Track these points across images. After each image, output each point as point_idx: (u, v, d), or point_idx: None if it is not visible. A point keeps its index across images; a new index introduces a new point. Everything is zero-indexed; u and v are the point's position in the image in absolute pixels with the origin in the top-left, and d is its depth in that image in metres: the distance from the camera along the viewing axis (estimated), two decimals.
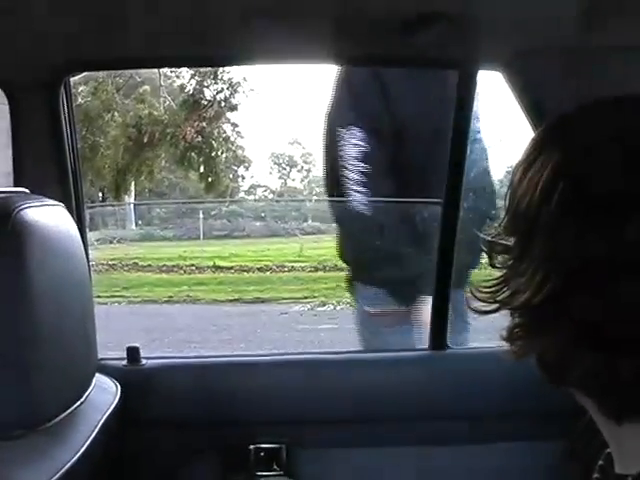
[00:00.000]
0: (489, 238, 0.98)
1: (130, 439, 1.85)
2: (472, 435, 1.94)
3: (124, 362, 1.98)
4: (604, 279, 0.83)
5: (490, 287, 0.95)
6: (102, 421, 1.32)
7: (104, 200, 37.63)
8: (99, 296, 12.62)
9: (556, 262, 0.86)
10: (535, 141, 0.94)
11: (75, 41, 1.52)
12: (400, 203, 2.52)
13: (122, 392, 1.69)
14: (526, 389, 1.60)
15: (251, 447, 1.94)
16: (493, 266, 0.97)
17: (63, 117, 1.77)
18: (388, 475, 1.99)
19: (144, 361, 1.99)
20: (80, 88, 21.05)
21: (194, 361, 2.18)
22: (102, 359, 1.87)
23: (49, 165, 1.84)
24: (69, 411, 1.17)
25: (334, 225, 2.67)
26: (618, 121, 0.89)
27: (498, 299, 0.94)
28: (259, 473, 1.95)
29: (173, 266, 15.83)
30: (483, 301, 0.96)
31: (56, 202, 1.17)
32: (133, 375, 1.94)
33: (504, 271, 0.94)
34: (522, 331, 0.92)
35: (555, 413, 1.70)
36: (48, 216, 1.13)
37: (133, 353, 1.95)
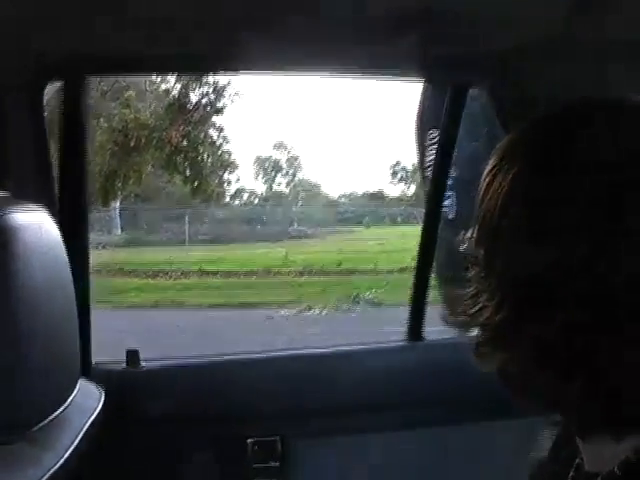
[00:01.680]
0: (462, 249, 0.97)
1: (133, 437, 1.91)
2: (448, 418, 2.06)
3: (123, 365, 2.00)
4: (556, 300, 0.83)
5: (463, 301, 0.95)
6: (86, 426, 1.31)
7: (90, 205, 37.57)
8: None
9: (512, 282, 0.87)
10: (498, 153, 0.94)
11: (61, 44, 1.52)
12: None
13: (121, 394, 1.76)
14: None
15: (248, 441, 2.00)
16: (469, 280, 0.97)
17: (77, 118, 1.77)
18: (374, 458, 2.09)
19: (143, 363, 2.01)
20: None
21: (190, 361, 2.20)
22: (102, 363, 1.92)
23: (33, 169, 1.83)
24: (53, 416, 1.16)
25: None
26: (571, 135, 0.87)
27: (469, 313, 0.93)
28: (256, 465, 2.00)
29: (159, 271, 15.82)
30: (456, 315, 0.96)
31: (38, 207, 1.16)
32: (133, 377, 1.97)
33: (475, 285, 0.94)
34: (486, 347, 0.92)
35: None
36: (30, 222, 1.12)
37: (132, 356, 1.98)
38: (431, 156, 2.38)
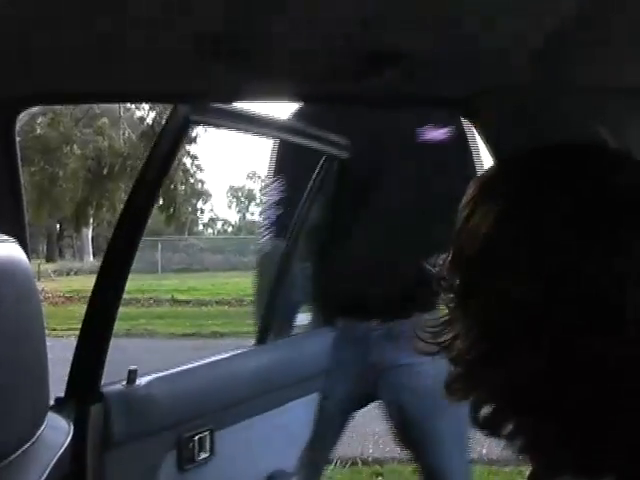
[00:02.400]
0: (434, 270, 0.96)
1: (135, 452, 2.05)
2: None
3: (124, 383, 2.03)
4: (531, 346, 0.81)
5: (434, 327, 0.93)
6: (54, 461, 1.29)
7: (62, 232, 37.48)
8: (55, 329, 12.47)
9: (489, 322, 0.85)
10: (477, 187, 0.92)
11: (32, 75, 1.50)
12: None
13: (120, 411, 1.93)
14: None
15: (185, 436, 2.18)
16: (438, 300, 0.95)
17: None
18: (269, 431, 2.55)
19: (138, 381, 2.06)
20: (39, 119, 20.99)
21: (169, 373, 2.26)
22: (104, 384, 1.97)
23: (3, 197, 1.81)
24: (19, 452, 1.14)
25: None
26: (551, 173, 0.87)
27: (439, 341, 0.92)
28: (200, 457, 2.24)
29: (131, 299, 15.75)
30: (425, 341, 0.94)
31: (9, 238, 1.14)
32: (128, 394, 2.02)
33: (447, 311, 0.92)
34: (459, 383, 0.91)
35: None
36: (1, 253, 1.11)
37: (131, 375, 2.04)
38: (267, 199, 2.90)
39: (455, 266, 0.91)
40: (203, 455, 2.23)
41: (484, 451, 5.91)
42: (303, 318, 2.84)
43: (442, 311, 0.93)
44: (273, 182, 2.86)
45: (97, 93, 1.70)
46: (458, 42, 1.31)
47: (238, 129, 2.17)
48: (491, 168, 0.97)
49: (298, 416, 2.72)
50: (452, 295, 0.91)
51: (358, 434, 6.42)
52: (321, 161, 2.65)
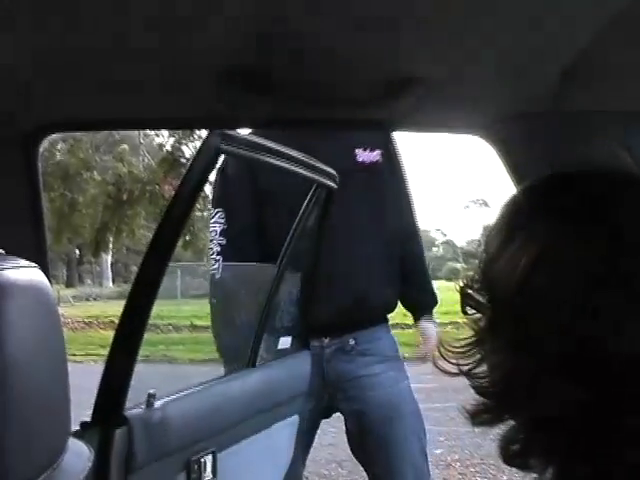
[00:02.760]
0: (463, 286, 0.92)
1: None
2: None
3: (143, 406, 2.07)
4: (570, 379, 0.79)
5: (459, 347, 0.90)
6: None
7: (81, 258, 37.59)
8: (75, 354, 12.50)
9: (526, 356, 0.82)
10: (513, 212, 0.91)
11: (56, 101, 1.52)
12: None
13: (141, 434, 1.95)
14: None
15: (193, 458, 2.22)
16: (465, 313, 0.93)
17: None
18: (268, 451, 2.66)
19: (157, 403, 2.10)
20: (58, 145, 21.11)
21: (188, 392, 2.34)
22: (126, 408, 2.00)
23: (26, 224, 1.82)
24: (41, 479, 1.14)
25: None
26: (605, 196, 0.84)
27: (463, 363, 0.89)
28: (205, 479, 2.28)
29: (150, 325, 15.71)
30: (449, 361, 0.91)
31: (31, 263, 1.15)
32: (148, 417, 2.05)
33: (474, 332, 0.89)
34: (486, 413, 0.89)
35: None
36: (24, 278, 1.11)
37: (149, 398, 2.08)
38: (211, 229, 3.05)
39: (488, 289, 0.89)
40: (208, 477, 2.27)
41: (504, 477, 5.86)
42: (285, 341, 2.89)
43: (467, 331, 0.90)
44: (215, 214, 3.03)
45: (117, 120, 1.71)
46: (477, 68, 1.32)
47: (264, 159, 2.19)
48: (523, 192, 0.94)
49: (282, 437, 2.79)
50: (480, 316, 0.89)
51: None
52: (312, 189, 2.72)
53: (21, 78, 1.36)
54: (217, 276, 2.97)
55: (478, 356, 0.88)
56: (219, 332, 3.16)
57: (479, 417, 0.89)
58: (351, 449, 3.13)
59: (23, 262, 1.15)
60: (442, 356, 0.92)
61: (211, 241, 3.02)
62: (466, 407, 0.89)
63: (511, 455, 0.86)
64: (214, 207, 3.05)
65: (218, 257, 2.96)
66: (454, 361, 0.91)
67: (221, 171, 3.02)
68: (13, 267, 1.09)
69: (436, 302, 3.42)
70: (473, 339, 0.89)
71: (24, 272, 1.13)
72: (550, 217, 0.86)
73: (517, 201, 0.93)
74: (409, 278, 3.25)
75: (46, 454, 1.18)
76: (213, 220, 3.02)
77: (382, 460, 3.00)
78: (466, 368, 0.89)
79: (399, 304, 3.30)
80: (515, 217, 0.89)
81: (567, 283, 0.80)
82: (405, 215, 3.26)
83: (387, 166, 3.09)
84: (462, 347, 0.90)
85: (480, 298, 0.89)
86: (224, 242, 2.97)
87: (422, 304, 3.37)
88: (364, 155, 3.00)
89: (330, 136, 2.82)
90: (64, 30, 1.14)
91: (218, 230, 2.99)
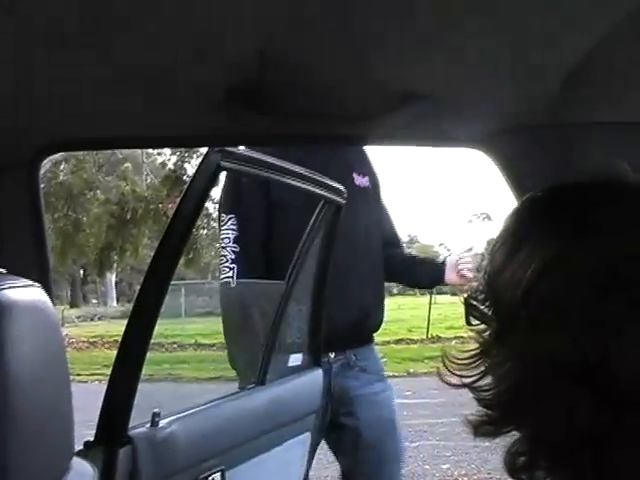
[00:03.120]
0: (467, 297, 0.91)
1: None
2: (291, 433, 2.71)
3: (147, 425, 2.07)
4: (577, 393, 0.78)
5: (463, 359, 0.89)
6: None
7: (86, 277, 37.57)
8: (79, 374, 12.48)
9: (532, 366, 0.81)
10: (518, 223, 0.90)
11: (56, 122, 1.52)
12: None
13: (146, 453, 1.95)
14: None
15: (200, 477, 2.20)
16: (469, 324, 0.92)
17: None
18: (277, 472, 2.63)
19: (161, 422, 2.09)
20: (61, 166, 21.15)
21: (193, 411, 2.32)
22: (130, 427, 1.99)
23: (28, 244, 1.83)
24: None
25: None
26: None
27: (467, 375, 0.88)
28: None
29: (154, 344, 15.68)
30: (453, 373, 0.90)
31: (33, 282, 1.15)
32: (152, 437, 2.05)
33: (479, 344, 0.88)
34: (489, 424, 0.88)
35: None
36: (26, 297, 1.11)
37: (154, 417, 2.08)
38: (224, 236, 2.98)
39: (493, 300, 0.88)
40: None
41: None
42: (296, 359, 2.89)
43: (471, 344, 0.89)
44: (228, 220, 2.97)
45: (118, 138, 1.72)
46: (476, 83, 1.32)
47: (264, 176, 2.19)
48: (525, 203, 0.94)
49: (293, 455, 2.77)
50: (485, 327, 0.89)
51: None
52: (320, 205, 2.72)
53: (21, 99, 1.36)
54: (232, 284, 2.92)
55: (482, 368, 0.87)
56: (232, 346, 3.09)
57: (482, 429, 0.88)
58: (343, 463, 3.15)
59: (24, 281, 1.14)
60: (447, 368, 0.91)
61: (224, 248, 2.97)
62: (469, 419, 0.88)
63: (517, 468, 0.85)
64: (225, 213, 3.00)
65: (232, 265, 2.92)
66: (458, 373, 0.90)
67: (232, 177, 2.99)
68: (14, 286, 1.09)
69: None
70: (478, 350, 0.88)
71: (25, 291, 1.13)
72: (553, 228, 0.86)
73: (520, 213, 0.93)
74: (408, 262, 3.34)
75: (49, 473, 1.18)
76: (225, 227, 2.98)
77: (375, 476, 3.07)
78: (470, 380, 0.88)
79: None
80: (519, 228, 0.89)
81: (572, 293, 0.80)
82: (392, 233, 3.37)
83: (374, 191, 3.22)
84: (467, 359, 0.89)
85: (485, 309, 0.89)
86: (238, 249, 2.94)
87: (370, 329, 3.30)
88: (359, 179, 3.10)
89: (331, 159, 2.84)
90: (62, 49, 1.14)
91: (232, 237, 2.95)
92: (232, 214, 2.97)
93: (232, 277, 2.91)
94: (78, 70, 1.21)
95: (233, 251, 2.92)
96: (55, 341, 1.21)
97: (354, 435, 3.03)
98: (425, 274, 3.39)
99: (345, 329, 2.93)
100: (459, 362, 0.90)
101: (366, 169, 3.18)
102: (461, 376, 0.89)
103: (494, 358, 0.86)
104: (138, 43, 1.13)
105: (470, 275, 3.21)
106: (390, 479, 3.10)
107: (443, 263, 3.30)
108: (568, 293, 0.80)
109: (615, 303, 0.78)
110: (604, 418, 0.77)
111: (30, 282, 1.16)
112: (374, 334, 3.22)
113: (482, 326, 0.89)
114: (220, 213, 3.05)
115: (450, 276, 3.24)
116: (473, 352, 0.88)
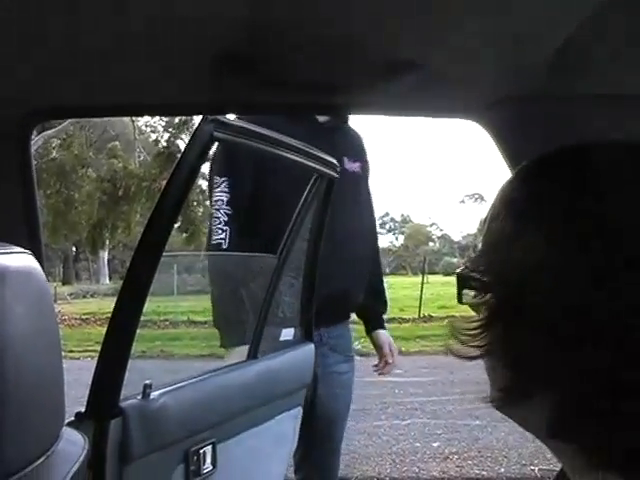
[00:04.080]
0: (463, 271, 0.91)
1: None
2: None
3: (139, 397, 2.06)
4: (589, 350, 0.78)
5: (470, 330, 0.88)
6: (71, 474, 1.28)
7: (78, 255, 37.59)
8: (72, 350, 12.49)
9: (543, 333, 0.81)
10: (514, 190, 0.90)
11: (44, 88, 1.51)
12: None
13: (137, 425, 1.95)
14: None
15: (192, 450, 2.22)
16: (461, 302, 0.92)
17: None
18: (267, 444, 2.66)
19: (153, 394, 2.09)
20: (53, 143, 21.11)
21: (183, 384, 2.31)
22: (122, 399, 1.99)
23: (19, 215, 1.82)
24: (36, 464, 1.13)
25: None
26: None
27: (479, 344, 0.89)
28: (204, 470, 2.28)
29: (147, 321, 15.74)
30: (463, 343, 0.88)
31: (24, 250, 1.14)
32: (144, 409, 2.04)
33: (486, 314, 0.87)
34: (514, 389, 0.88)
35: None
36: (16, 263, 1.10)
37: (145, 389, 2.08)
38: (216, 198, 2.97)
39: (498, 272, 0.87)
40: (207, 468, 2.27)
41: (502, 469, 5.87)
42: (287, 333, 2.90)
43: (476, 314, 0.89)
44: (221, 183, 2.97)
45: (108, 106, 1.71)
46: (471, 52, 1.31)
47: (257, 147, 2.18)
48: (520, 173, 0.93)
49: (284, 429, 2.80)
50: (487, 298, 0.88)
51: (376, 454, 6.42)
52: (312, 179, 2.73)
53: (9, 64, 1.35)
54: (224, 246, 2.92)
55: (489, 338, 0.87)
56: (218, 306, 3.10)
57: (498, 399, 0.88)
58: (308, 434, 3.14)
59: (15, 248, 1.14)
60: (458, 339, 0.90)
61: (217, 210, 2.96)
62: (483, 395, 0.89)
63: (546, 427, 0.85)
64: (219, 176, 2.99)
65: (225, 227, 2.92)
66: (469, 344, 0.89)
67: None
68: (4, 252, 1.09)
69: (386, 310, 3.45)
70: (484, 321, 0.88)
71: (16, 257, 1.12)
72: (549, 194, 0.85)
73: (515, 182, 0.92)
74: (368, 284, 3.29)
75: (40, 441, 1.18)
76: (219, 190, 2.96)
77: (328, 454, 3.20)
78: (479, 352, 0.88)
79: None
80: (516, 197, 0.89)
81: (580, 258, 0.79)
82: (371, 223, 3.39)
83: (364, 177, 3.25)
84: (475, 329, 0.88)
85: (486, 279, 0.88)
86: (231, 212, 2.94)
87: (377, 313, 3.41)
88: (349, 164, 3.11)
89: (323, 142, 2.80)
90: (52, 16, 1.13)
91: (225, 200, 2.94)
92: (225, 177, 2.97)
93: (224, 239, 2.91)
94: (66, 37, 1.21)
95: (226, 213, 2.93)
96: (46, 308, 1.20)
97: (309, 408, 3.04)
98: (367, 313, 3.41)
99: (320, 306, 2.93)
100: (468, 333, 0.89)
101: (358, 154, 3.21)
102: (472, 346, 0.88)
103: (501, 327, 0.85)
104: (127, 10, 1.12)
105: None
106: (332, 455, 3.21)
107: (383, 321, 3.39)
108: (576, 258, 0.80)
109: (625, 274, 0.78)
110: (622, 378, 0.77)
111: (20, 249, 1.15)
112: (350, 314, 3.25)
113: (482, 297, 0.89)
114: (213, 176, 3.04)
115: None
116: (479, 322, 0.88)
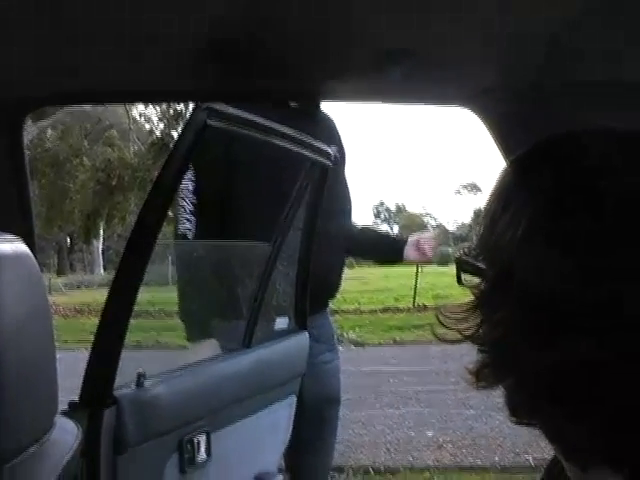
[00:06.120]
0: (461, 256, 0.94)
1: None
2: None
3: (133, 386, 2.07)
4: (582, 331, 0.77)
5: (460, 313, 0.90)
6: (64, 462, 1.29)
7: (72, 246, 37.55)
8: (66, 341, 12.47)
9: (535, 306, 0.81)
10: (508, 178, 0.90)
11: (36, 75, 1.51)
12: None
13: (131, 414, 1.95)
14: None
15: (186, 438, 2.22)
16: (461, 284, 0.93)
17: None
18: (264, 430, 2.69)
19: (147, 383, 2.10)
20: (48, 133, 21.07)
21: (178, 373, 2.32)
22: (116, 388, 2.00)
23: (12, 204, 1.81)
24: (29, 452, 1.13)
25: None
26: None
27: (464, 328, 0.90)
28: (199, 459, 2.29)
29: (142, 311, 15.72)
30: (448, 327, 0.91)
31: (15, 237, 1.14)
32: (138, 397, 2.05)
33: (473, 297, 0.89)
34: (491, 369, 0.89)
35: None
36: (8, 250, 1.10)
37: (139, 378, 2.08)
38: (182, 185, 2.86)
39: (488, 253, 0.88)
40: (202, 457, 2.27)
41: (496, 458, 5.89)
42: (282, 322, 2.89)
43: (464, 298, 0.90)
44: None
45: (99, 92, 1.70)
46: (467, 41, 1.31)
47: (251, 135, 2.17)
48: (515, 162, 0.94)
49: (279, 418, 2.81)
50: (479, 280, 0.89)
51: (370, 442, 6.43)
52: (306, 167, 2.71)
53: (2, 51, 1.35)
54: (190, 236, 2.87)
55: (479, 320, 0.88)
56: (184, 299, 3.06)
57: (481, 374, 0.88)
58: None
59: (7, 235, 1.14)
60: (442, 324, 0.91)
61: (182, 199, 2.89)
62: (468, 367, 0.89)
63: (512, 409, 0.87)
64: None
65: (191, 217, 2.87)
66: (455, 327, 0.90)
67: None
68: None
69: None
70: (474, 303, 0.89)
71: (8, 244, 1.12)
72: (539, 179, 0.86)
73: (509, 171, 0.93)
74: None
75: (33, 429, 1.18)
76: (185, 177, 2.86)
77: (321, 443, 3.19)
78: (469, 332, 0.89)
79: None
80: (509, 183, 0.89)
81: (565, 241, 0.80)
82: (347, 210, 3.37)
83: (340, 163, 3.17)
84: (463, 312, 0.89)
85: (479, 263, 0.89)
86: (196, 201, 2.88)
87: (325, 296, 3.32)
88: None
89: (299, 128, 2.78)
90: (44, 1, 1.13)
91: (191, 188, 2.88)
92: (192, 163, 2.87)
93: (190, 230, 2.86)
94: (56, 23, 1.20)
95: (192, 202, 2.88)
96: (38, 294, 1.20)
97: (298, 399, 3.03)
98: (384, 249, 3.42)
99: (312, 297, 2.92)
100: (455, 316, 0.90)
101: (329, 140, 3.09)
102: (458, 330, 0.89)
103: (491, 306, 0.86)
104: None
105: (430, 254, 3.27)
106: (325, 444, 3.19)
107: (403, 240, 3.33)
108: (560, 242, 0.80)
109: (606, 256, 0.78)
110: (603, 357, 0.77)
111: (11, 236, 1.15)
112: (329, 301, 3.25)
113: (476, 280, 0.89)
114: None
115: (409, 253, 3.28)
116: (469, 305, 0.89)
